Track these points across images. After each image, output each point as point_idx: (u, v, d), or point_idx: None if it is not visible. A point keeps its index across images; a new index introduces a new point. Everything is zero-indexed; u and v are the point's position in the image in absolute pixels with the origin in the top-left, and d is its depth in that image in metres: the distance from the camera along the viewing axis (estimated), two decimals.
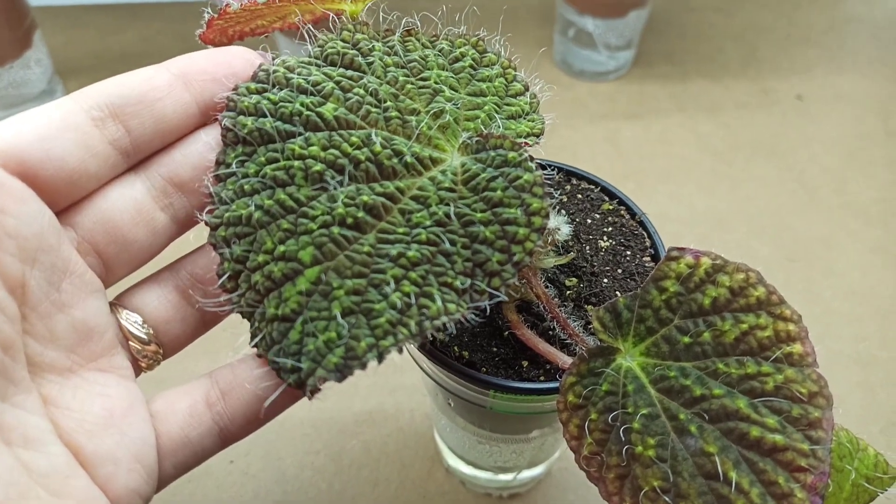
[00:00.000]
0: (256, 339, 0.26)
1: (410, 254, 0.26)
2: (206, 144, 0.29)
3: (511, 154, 0.27)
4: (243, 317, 0.27)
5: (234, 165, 0.28)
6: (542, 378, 0.32)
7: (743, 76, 0.84)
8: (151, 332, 0.29)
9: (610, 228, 0.37)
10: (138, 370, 0.29)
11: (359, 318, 0.25)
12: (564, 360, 0.30)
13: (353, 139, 0.28)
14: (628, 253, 0.36)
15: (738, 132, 0.78)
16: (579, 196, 0.38)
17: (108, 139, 0.27)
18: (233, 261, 0.27)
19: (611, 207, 0.38)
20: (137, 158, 0.28)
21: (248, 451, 0.55)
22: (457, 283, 0.26)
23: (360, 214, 0.27)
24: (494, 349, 0.33)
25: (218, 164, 0.28)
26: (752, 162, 0.75)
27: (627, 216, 0.37)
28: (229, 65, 0.29)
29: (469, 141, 0.28)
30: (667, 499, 0.26)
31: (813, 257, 0.67)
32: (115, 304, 0.29)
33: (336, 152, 0.28)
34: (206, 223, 0.28)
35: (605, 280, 0.35)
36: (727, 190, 0.72)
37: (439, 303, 0.25)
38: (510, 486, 0.51)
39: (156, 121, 0.28)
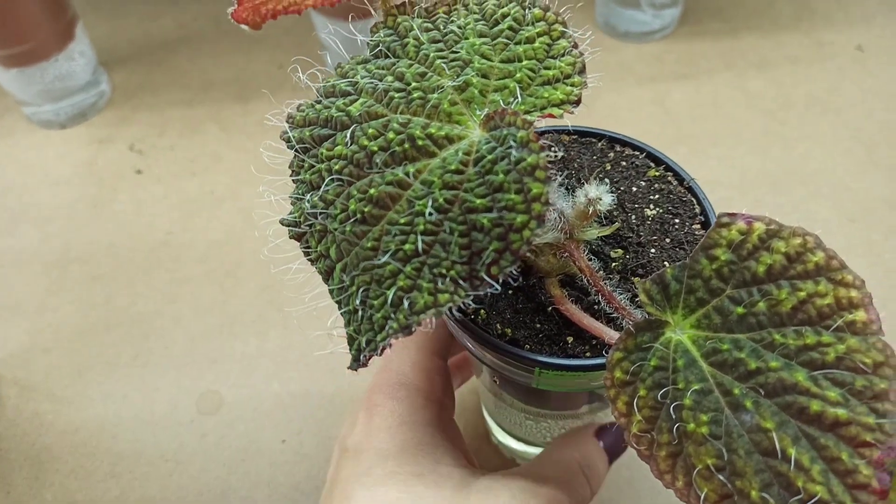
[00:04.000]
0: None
1: (407, 247, 0.25)
2: None
3: (521, 133, 0.25)
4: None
5: (294, 173, 0.30)
6: (587, 354, 0.31)
7: (796, 29, 0.81)
8: None
9: (656, 196, 0.35)
10: None
11: (365, 312, 0.26)
12: (611, 334, 0.29)
13: (370, 130, 0.28)
14: (676, 221, 0.34)
15: (790, 89, 0.75)
16: (623, 164, 0.37)
17: None
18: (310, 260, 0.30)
19: (657, 174, 0.36)
20: None
21: (300, 430, 0.56)
22: (452, 272, 0.25)
23: (368, 208, 0.27)
24: (538, 325, 0.32)
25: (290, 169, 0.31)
26: (806, 119, 0.72)
27: (675, 182, 0.36)
28: None
29: (487, 117, 0.27)
30: (721, 477, 0.25)
31: (874, 218, 0.64)
32: None
33: (355, 147, 0.28)
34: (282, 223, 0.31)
35: (653, 250, 0.33)
36: (781, 150, 0.70)
37: (426, 296, 0.25)
38: None
39: None
